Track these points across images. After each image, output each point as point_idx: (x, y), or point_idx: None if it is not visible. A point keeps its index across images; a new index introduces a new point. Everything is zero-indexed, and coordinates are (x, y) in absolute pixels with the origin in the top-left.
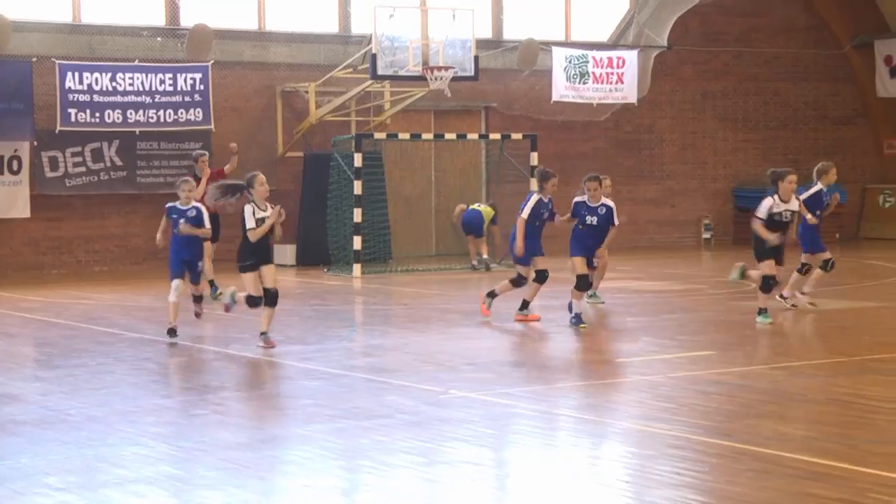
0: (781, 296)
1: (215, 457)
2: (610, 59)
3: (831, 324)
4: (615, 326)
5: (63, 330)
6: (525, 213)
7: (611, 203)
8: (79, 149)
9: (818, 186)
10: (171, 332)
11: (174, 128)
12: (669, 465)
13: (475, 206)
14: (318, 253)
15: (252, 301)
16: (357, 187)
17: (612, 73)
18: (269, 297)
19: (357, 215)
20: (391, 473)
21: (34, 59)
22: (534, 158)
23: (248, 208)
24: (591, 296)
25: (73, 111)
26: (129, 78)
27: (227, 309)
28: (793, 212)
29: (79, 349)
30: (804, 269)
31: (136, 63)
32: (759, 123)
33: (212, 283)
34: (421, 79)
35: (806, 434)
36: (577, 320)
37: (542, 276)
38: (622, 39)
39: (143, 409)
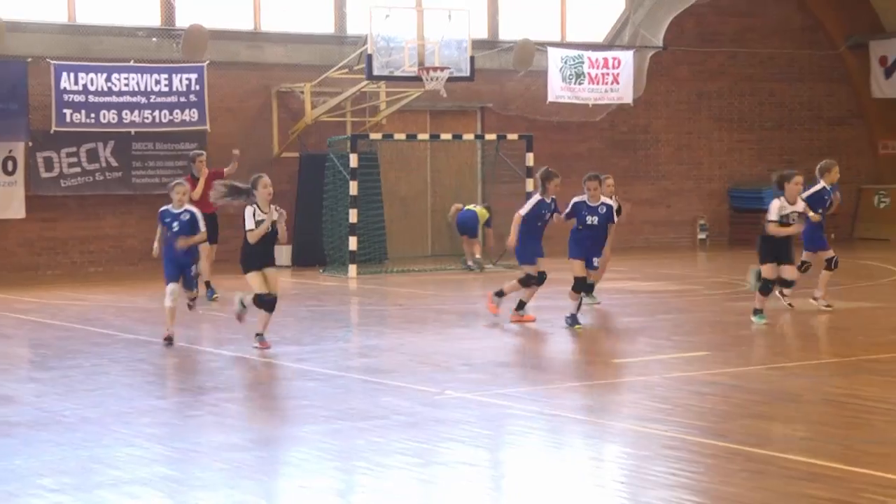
0: (781, 293)
1: (210, 458)
2: (605, 59)
3: (826, 324)
4: (610, 327)
5: (58, 331)
6: (524, 211)
7: (610, 202)
8: (74, 149)
9: (821, 185)
10: (168, 340)
11: (169, 128)
12: (664, 465)
13: (471, 206)
14: (313, 253)
15: (260, 300)
16: (353, 188)
17: (608, 74)
18: (267, 303)
19: (353, 216)
20: (387, 474)
21: (29, 60)
22: (529, 159)
23: (248, 210)
24: (587, 295)
25: (68, 111)
26: (125, 78)
27: (241, 318)
28: (799, 213)
29: (73, 350)
30: (804, 267)
31: (132, 63)
32: (754, 124)
33: (208, 284)
34: (417, 79)
35: (801, 434)
36: (573, 321)
37: (540, 278)
38: (618, 40)
39: (137, 411)
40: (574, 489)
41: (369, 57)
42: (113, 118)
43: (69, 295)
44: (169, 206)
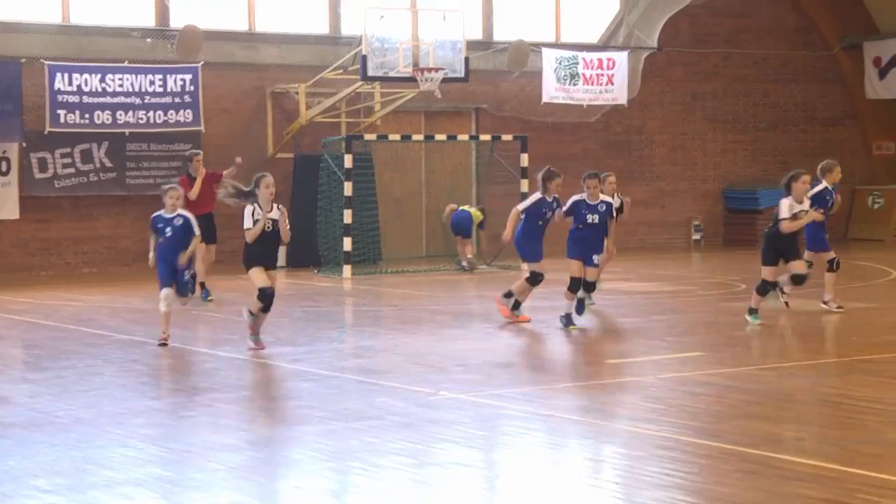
0: (781, 291)
1: (205, 459)
2: (600, 60)
3: (820, 325)
4: (605, 328)
5: (52, 332)
6: (522, 206)
7: (610, 199)
8: (68, 150)
9: (822, 185)
10: (163, 343)
11: (164, 129)
12: (658, 465)
13: (465, 207)
14: (308, 254)
15: (262, 293)
16: (347, 188)
17: (603, 75)
18: (265, 298)
19: (347, 216)
20: (381, 475)
21: (23, 60)
22: (524, 160)
23: (248, 208)
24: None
25: (62, 112)
26: (119, 79)
27: (253, 328)
28: (806, 212)
29: (67, 351)
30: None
31: (126, 64)
32: (748, 125)
33: (203, 285)
34: (411, 80)
35: (794, 435)
36: (567, 321)
37: (529, 277)
38: (612, 41)
39: (132, 411)
40: (568, 490)
41: (364, 58)
42: (107, 119)
43: (63, 296)
44: (161, 212)
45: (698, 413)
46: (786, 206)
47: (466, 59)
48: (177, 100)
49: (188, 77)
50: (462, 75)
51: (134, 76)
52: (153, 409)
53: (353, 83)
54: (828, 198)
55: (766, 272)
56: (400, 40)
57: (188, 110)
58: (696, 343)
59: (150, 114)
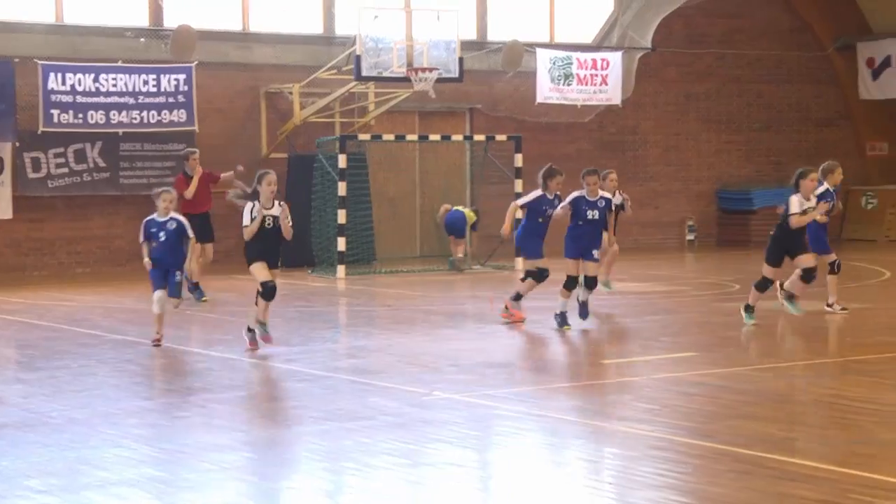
0: (781, 286)
1: (198, 459)
2: (594, 60)
3: (814, 325)
4: (599, 328)
5: (45, 332)
6: (521, 201)
7: (608, 195)
8: (61, 150)
9: (824, 186)
10: (156, 343)
11: (158, 129)
12: (652, 466)
13: (459, 207)
14: (302, 254)
15: (264, 287)
16: (341, 188)
17: (597, 75)
18: (267, 291)
19: (341, 216)
20: (374, 475)
21: (16, 60)
22: (518, 160)
23: (247, 206)
24: (604, 284)
25: (55, 112)
26: (113, 79)
27: (267, 339)
28: (814, 208)
29: (61, 351)
30: None
31: (120, 64)
32: (742, 125)
33: (197, 285)
34: (405, 80)
35: (787, 435)
36: (562, 321)
37: (541, 274)
38: (606, 41)
39: (125, 412)
40: (562, 490)
41: (358, 58)
42: (101, 119)
43: (56, 296)
44: (154, 216)
45: (692, 413)
46: (796, 202)
47: (460, 59)
48: (170, 100)
49: (182, 77)
50: (456, 75)
51: (128, 76)
52: (146, 410)
53: (348, 83)
54: (829, 199)
55: (768, 271)
56: (394, 40)
57: (182, 110)
58: (689, 343)
59: (144, 114)
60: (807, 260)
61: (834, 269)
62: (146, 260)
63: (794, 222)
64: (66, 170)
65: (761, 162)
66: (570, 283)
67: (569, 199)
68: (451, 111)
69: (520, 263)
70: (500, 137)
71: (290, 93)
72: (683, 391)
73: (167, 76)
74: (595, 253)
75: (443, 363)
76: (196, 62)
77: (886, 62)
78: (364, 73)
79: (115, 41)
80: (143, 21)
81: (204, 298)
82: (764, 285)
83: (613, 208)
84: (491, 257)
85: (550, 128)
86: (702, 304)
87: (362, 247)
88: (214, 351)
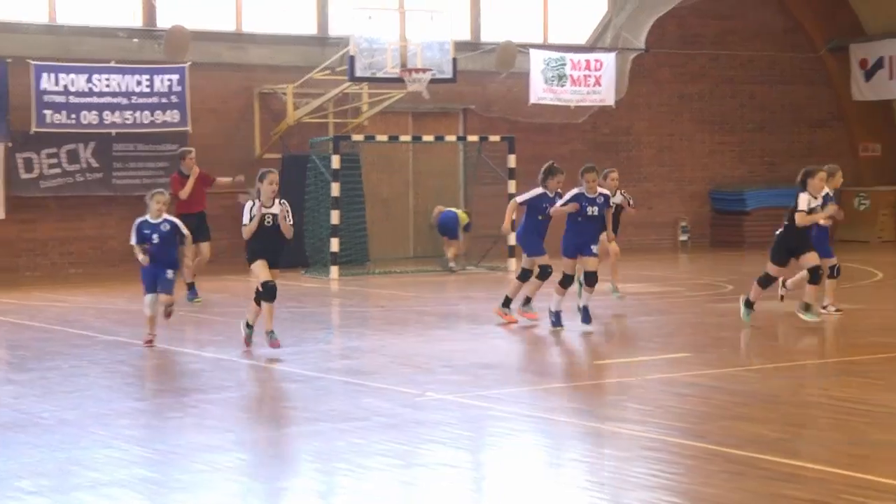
0: (783, 283)
1: (190, 460)
2: (587, 61)
3: (806, 326)
4: (592, 328)
5: (37, 332)
6: (521, 198)
7: (607, 192)
8: (54, 150)
9: (825, 189)
10: (149, 343)
11: (151, 129)
12: (645, 466)
13: (452, 208)
14: (295, 255)
15: (264, 287)
16: (334, 189)
17: (590, 76)
18: (268, 290)
19: (334, 217)
20: (367, 476)
21: (9, 60)
22: (511, 160)
23: (247, 204)
24: (613, 291)
25: (48, 112)
26: (106, 79)
27: (276, 345)
28: (822, 206)
29: (52, 352)
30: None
31: (113, 64)
32: (735, 126)
33: (190, 286)
34: (399, 81)
35: (779, 436)
36: (557, 320)
37: (529, 273)
38: (600, 42)
39: (116, 412)
40: (555, 490)
41: (352, 58)
42: (94, 119)
43: (49, 296)
44: (146, 217)
45: (685, 414)
46: (804, 200)
47: (454, 60)
48: (164, 100)
49: (175, 77)
50: (450, 76)
51: (121, 76)
52: (138, 411)
53: (341, 84)
54: (828, 202)
55: (773, 269)
56: (388, 41)
57: (175, 111)
58: (682, 344)
59: (137, 114)
60: (811, 259)
61: (833, 273)
62: (143, 256)
63: (799, 220)
64: (58, 170)
65: (754, 163)
66: (567, 281)
67: (569, 196)
68: (445, 112)
69: (513, 264)
70: (494, 138)
71: (284, 93)
72: (676, 392)
73: (160, 76)
74: (594, 248)
75: (436, 364)
76: (189, 63)
77: (879, 63)
78: (358, 73)
79: (109, 41)
80: (136, 21)
81: (197, 300)
82: (766, 282)
83: (613, 207)
84: (484, 258)
85: (544, 128)
86: (695, 305)
87: (355, 247)
88: (207, 352)
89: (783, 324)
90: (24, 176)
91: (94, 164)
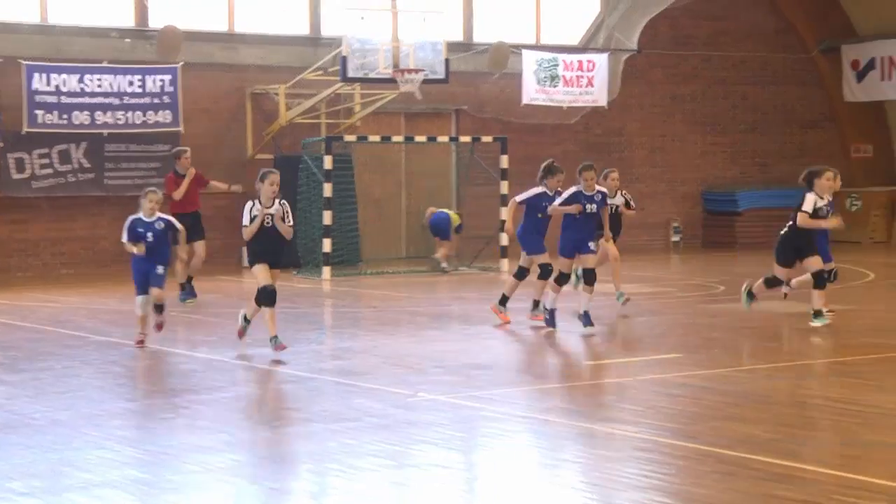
0: (786, 287)
1: (182, 461)
2: (580, 62)
3: (797, 326)
4: (584, 329)
5: (28, 333)
6: (520, 198)
7: (604, 189)
8: (46, 150)
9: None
10: (140, 343)
11: (143, 130)
12: (636, 467)
13: (444, 209)
14: (287, 255)
15: (263, 291)
16: (327, 190)
17: (583, 77)
18: (267, 295)
19: (327, 218)
20: (359, 476)
21: (0, 60)
22: (504, 161)
23: (247, 205)
24: (618, 297)
25: (40, 112)
26: (98, 79)
27: (242, 334)
28: (827, 207)
29: (44, 352)
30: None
31: (105, 64)
32: (727, 127)
33: (182, 286)
34: (391, 81)
35: (771, 436)
36: (550, 319)
37: (526, 272)
38: (592, 43)
39: (108, 413)
40: (546, 491)
41: (344, 59)
42: (85, 119)
43: (40, 297)
44: (140, 215)
45: (675, 414)
46: (810, 200)
47: (447, 61)
48: (156, 100)
49: (167, 77)
50: (442, 76)
51: (113, 76)
52: (130, 411)
53: (333, 84)
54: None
55: (780, 272)
56: (380, 41)
57: (167, 111)
58: (674, 345)
59: (129, 114)
60: (815, 263)
61: (830, 277)
62: (136, 249)
63: (800, 220)
64: (50, 170)
65: (746, 164)
66: (563, 279)
67: (567, 194)
68: (437, 112)
69: (506, 265)
70: (486, 139)
71: (276, 94)
72: (668, 392)
73: (152, 77)
74: (592, 245)
75: (428, 364)
76: (181, 63)
77: (870, 64)
78: (350, 74)
79: (100, 41)
80: (128, 21)
81: (190, 300)
82: (773, 283)
83: (615, 209)
84: (476, 258)
85: (536, 129)
86: (687, 306)
87: (348, 248)
88: (199, 352)
89: (775, 324)
90: (16, 176)
91: (86, 165)
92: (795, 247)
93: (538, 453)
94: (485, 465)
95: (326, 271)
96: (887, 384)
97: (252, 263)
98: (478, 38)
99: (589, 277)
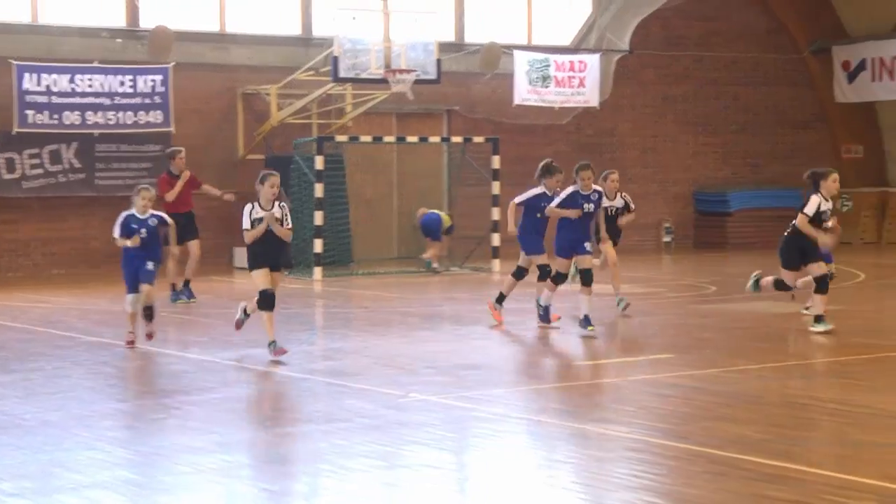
0: (793, 289)
1: (173, 461)
2: (572, 62)
3: (788, 326)
4: (575, 329)
5: (19, 333)
6: (519, 199)
7: (600, 188)
8: (36, 150)
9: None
10: (130, 344)
11: (134, 130)
12: (627, 467)
13: (435, 210)
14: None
15: (263, 295)
16: (318, 190)
17: (574, 77)
18: (266, 299)
19: (318, 218)
20: (350, 477)
21: None
22: (495, 162)
23: (246, 207)
24: (618, 303)
25: (30, 112)
26: (88, 79)
27: (239, 326)
28: (830, 210)
29: (35, 353)
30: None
31: (96, 64)
32: (719, 127)
33: (174, 286)
34: (383, 81)
35: (761, 436)
36: (545, 315)
37: (524, 271)
38: (584, 43)
39: (99, 414)
40: (537, 491)
41: (335, 59)
42: (76, 119)
43: (31, 297)
44: (133, 212)
45: (667, 415)
46: (814, 202)
47: (438, 61)
48: (147, 100)
49: (158, 78)
50: (434, 77)
51: (104, 76)
52: (121, 412)
53: (325, 84)
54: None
55: (788, 276)
56: (372, 42)
57: (158, 111)
58: (665, 345)
59: (120, 114)
60: (819, 268)
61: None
62: (130, 242)
63: (799, 222)
64: (41, 171)
65: (738, 164)
66: (559, 278)
67: (564, 194)
68: (429, 113)
69: (497, 266)
70: (478, 139)
71: (268, 94)
72: (659, 393)
73: (143, 77)
74: (587, 245)
75: (419, 365)
76: (173, 63)
77: (861, 65)
78: (341, 74)
79: (91, 42)
80: (119, 22)
81: (181, 300)
82: (781, 287)
83: (614, 211)
84: (468, 259)
85: (528, 130)
86: (678, 306)
87: (339, 248)
88: (190, 353)
89: (766, 325)
90: (6, 176)
91: (77, 165)
92: (800, 249)
93: (529, 453)
94: (476, 466)
95: (318, 272)
96: (878, 384)
97: (252, 268)
98: (469, 38)
99: (586, 278)
